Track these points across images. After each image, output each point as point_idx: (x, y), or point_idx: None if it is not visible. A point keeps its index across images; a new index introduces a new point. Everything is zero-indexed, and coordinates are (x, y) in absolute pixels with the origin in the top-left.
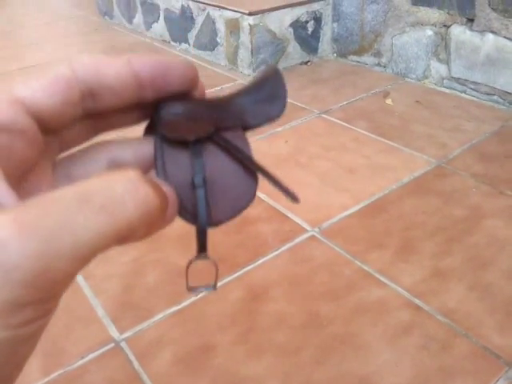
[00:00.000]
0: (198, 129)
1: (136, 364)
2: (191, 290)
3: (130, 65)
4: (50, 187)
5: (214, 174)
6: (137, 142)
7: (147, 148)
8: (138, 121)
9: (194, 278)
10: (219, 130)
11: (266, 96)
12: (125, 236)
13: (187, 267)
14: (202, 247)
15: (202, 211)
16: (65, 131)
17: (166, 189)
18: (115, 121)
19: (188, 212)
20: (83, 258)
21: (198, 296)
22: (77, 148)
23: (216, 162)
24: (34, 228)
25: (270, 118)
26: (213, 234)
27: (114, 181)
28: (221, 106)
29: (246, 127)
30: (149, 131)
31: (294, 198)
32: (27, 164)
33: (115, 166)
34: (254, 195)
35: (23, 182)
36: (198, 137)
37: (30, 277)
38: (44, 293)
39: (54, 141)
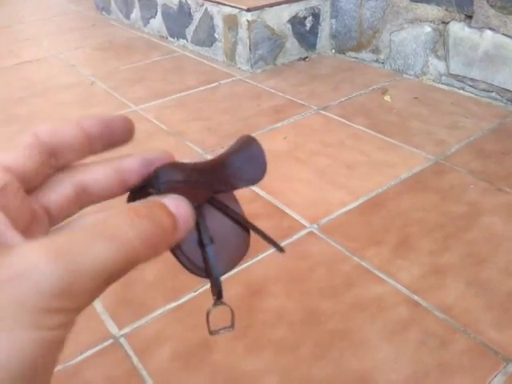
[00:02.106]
0: (198, 195)
1: (135, 360)
2: (213, 333)
3: (79, 125)
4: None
5: (215, 232)
6: (103, 167)
7: (117, 176)
8: (117, 192)
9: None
10: (214, 193)
11: (248, 160)
12: (135, 259)
13: (207, 315)
14: (219, 295)
15: (214, 265)
16: (52, 206)
17: (176, 211)
18: (96, 193)
19: (198, 268)
20: (101, 277)
21: (197, 292)
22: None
23: (215, 221)
24: (60, 253)
25: (254, 181)
26: None
27: (118, 217)
28: (212, 171)
29: (234, 188)
30: (136, 196)
31: (280, 249)
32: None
33: (82, 189)
34: (247, 247)
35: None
36: (199, 203)
37: (57, 289)
38: (69, 303)
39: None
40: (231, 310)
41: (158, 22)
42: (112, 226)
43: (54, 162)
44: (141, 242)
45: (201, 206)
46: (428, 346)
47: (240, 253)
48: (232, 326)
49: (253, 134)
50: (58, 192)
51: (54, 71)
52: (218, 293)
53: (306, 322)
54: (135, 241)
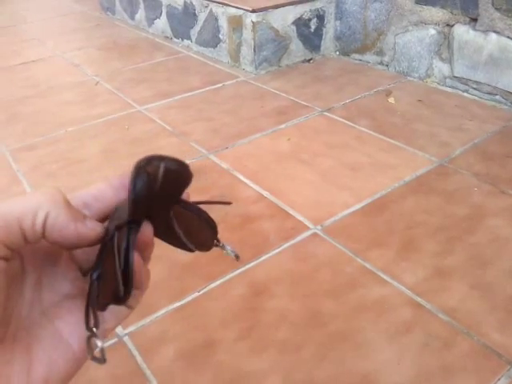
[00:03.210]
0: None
1: (139, 359)
2: (91, 359)
3: (107, 181)
4: None
5: (105, 269)
6: None
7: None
8: None
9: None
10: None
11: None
12: (36, 206)
13: (87, 342)
14: (86, 325)
15: (92, 299)
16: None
17: (91, 222)
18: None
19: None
20: (7, 218)
21: (201, 292)
22: None
23: (108, 260)
24: None
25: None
26: None
27: (41, 189)
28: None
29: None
30: None
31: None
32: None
33: None
34: (119, 290)
35: None
36: (116, 227)
37: None
38: None
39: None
40: (102, 347)
41: (162, 23)
42: (31, 192)
43: (88, 211)
44: (47, 200)
45: (113, 239)
46: (431, 348)
47: (115, 294)
48: (103, 359)
49: (257, 135)
50: None
51: (58, 71)
52: (86, 322)
53: (309, 322)
54: (38, 198)
